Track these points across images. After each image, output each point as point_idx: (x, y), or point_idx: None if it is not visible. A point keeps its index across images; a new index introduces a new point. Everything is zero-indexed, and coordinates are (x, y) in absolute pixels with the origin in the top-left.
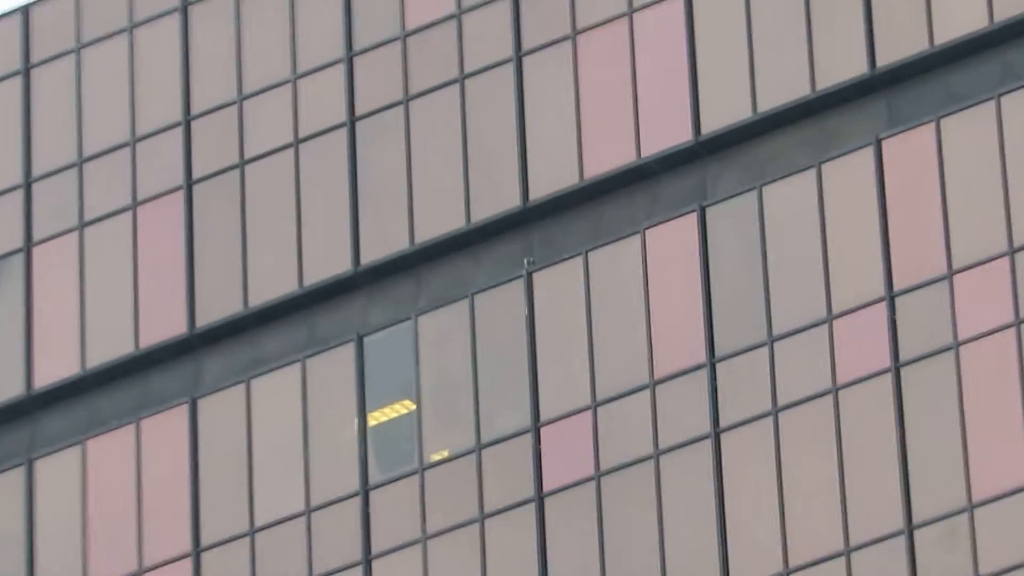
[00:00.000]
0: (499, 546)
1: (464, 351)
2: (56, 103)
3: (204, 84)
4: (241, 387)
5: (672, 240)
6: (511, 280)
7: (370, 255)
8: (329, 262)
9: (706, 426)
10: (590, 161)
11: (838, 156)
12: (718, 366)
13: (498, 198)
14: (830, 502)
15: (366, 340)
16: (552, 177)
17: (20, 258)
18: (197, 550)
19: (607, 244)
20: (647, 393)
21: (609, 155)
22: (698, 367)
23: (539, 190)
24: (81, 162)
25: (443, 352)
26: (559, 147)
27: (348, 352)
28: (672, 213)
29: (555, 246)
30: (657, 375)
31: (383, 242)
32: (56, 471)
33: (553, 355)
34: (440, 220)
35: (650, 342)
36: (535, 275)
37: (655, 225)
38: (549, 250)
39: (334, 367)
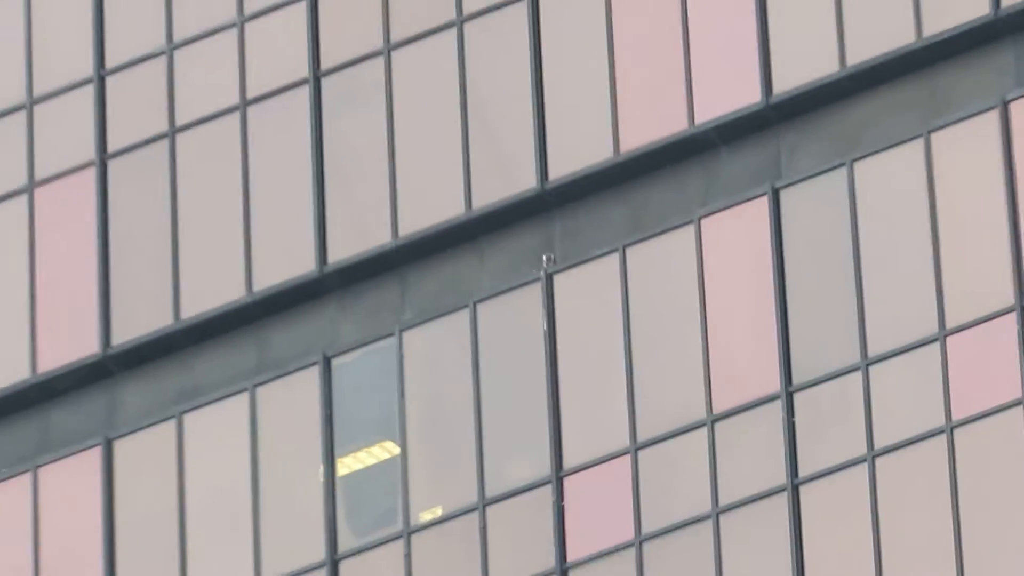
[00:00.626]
0: None
1: (463, 377)
2: None
3: (123, 29)
4: (171, 424)
5: (736, 232)
6: (525, 284)
7: (340, 252)
8: (287, 261)
9: (781, 476)
10: (628, 130)
11: (953, 123)
12: (796, 397)
13: (508, 178)
14: (943, 574)
15: (335, 363)
16: (579, 151)
17: None
18: None
19: (650, 238)
20: (703, 433)
21: (653, 122)
22: (771, 399)
23: (562, 168)
24: None
25: (436, 378)
26: (588, 112)
27: (311, 378)
28: (736, 197)
29: (583, 240)
30: (716, 409)
31: (358, 235)
32: None
33: (580, 382)
34: (432, 207)
35: (707, 365)
36: (557, 278)
37: (714, 213)
38: (575, 245)
39: (293, 398)
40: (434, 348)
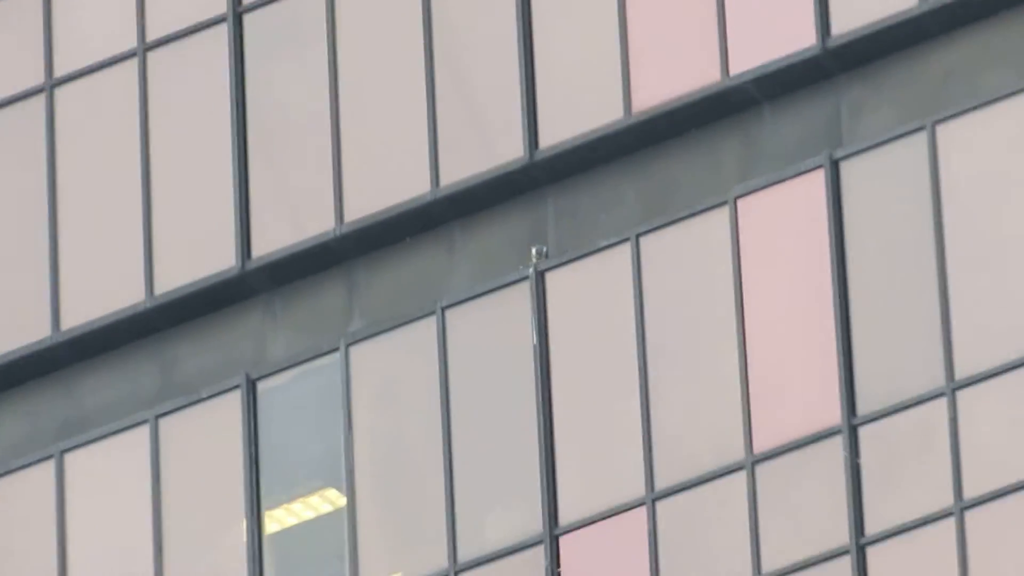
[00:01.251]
0: None
1: (429, 405)
2: None
3: None
4: (49, 465)
5: (784, 216)
6: (509, 285)
7: (269, 243)
8: (199, 256)
9: (843, 534)
10: (643, 84)
11: None
12: (862, 432)
13: (486, 147)
14: None
15: (262, 387)
16: (578, 111)
17: None
18: None
19: (671, 224)
20: (741, 478)
21: (675, 74)
22: (829, 434)
23: (556, 133)
24: None
25: (393, 407)
26: (590, 61)
27: (231, 406)
28: (783, 171)
29: (583, 228)
30: (758, 447)
31: (291, 221)
32: None
33: (581, 413)
34: (388, 184)
35: (746, 390)
36: (549, 276)
37: (754, 191)
38: (573, 234)
39: (207, 432)
40: (391, 368)
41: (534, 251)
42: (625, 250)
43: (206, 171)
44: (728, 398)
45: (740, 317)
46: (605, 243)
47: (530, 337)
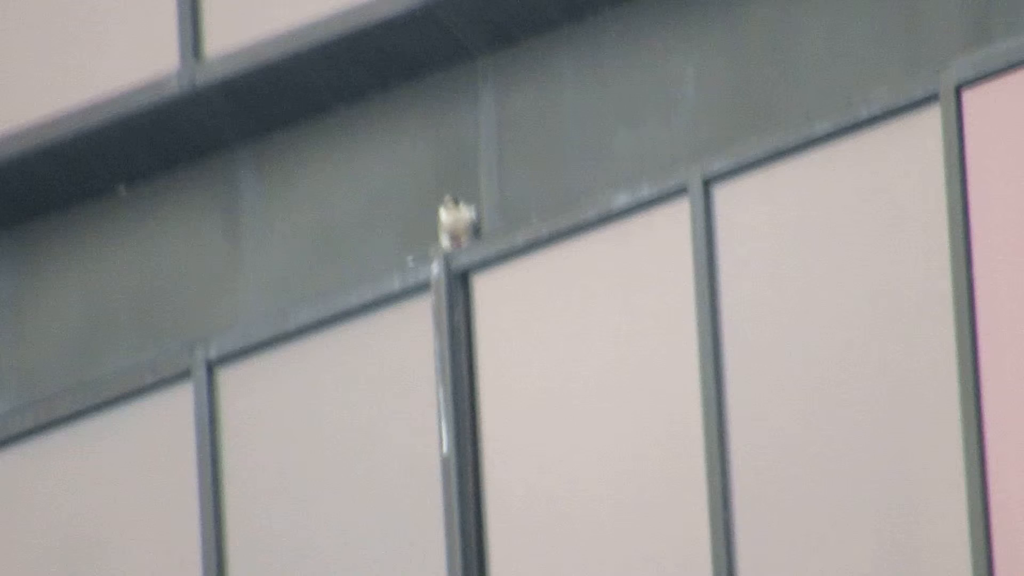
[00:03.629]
0: None
1: None
2: None
3: None
4: None
5: None
6: (381, 307)
7: None
8: None
9: None
10: None
11: None
12: None
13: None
14: None
15: None
16: None
17: None
18: None
19: (798, 151)
20: None
21: None
22: None
23: None
24: None
25: None
26: None
27: None
28: None
29: (568, 161)
30: None
31: None
32: None
33: None
34: (78, 63)
35: (982, 495)
36: (479, 281)
37: (995, 76)
38: (544, 177)
39: None
40: (91, 504)
41: (445, 219)
42: (678, 217)
43: None
44: (942, 512)
45: (971, 354)
46: (625, 203)
47: (437, 436)
